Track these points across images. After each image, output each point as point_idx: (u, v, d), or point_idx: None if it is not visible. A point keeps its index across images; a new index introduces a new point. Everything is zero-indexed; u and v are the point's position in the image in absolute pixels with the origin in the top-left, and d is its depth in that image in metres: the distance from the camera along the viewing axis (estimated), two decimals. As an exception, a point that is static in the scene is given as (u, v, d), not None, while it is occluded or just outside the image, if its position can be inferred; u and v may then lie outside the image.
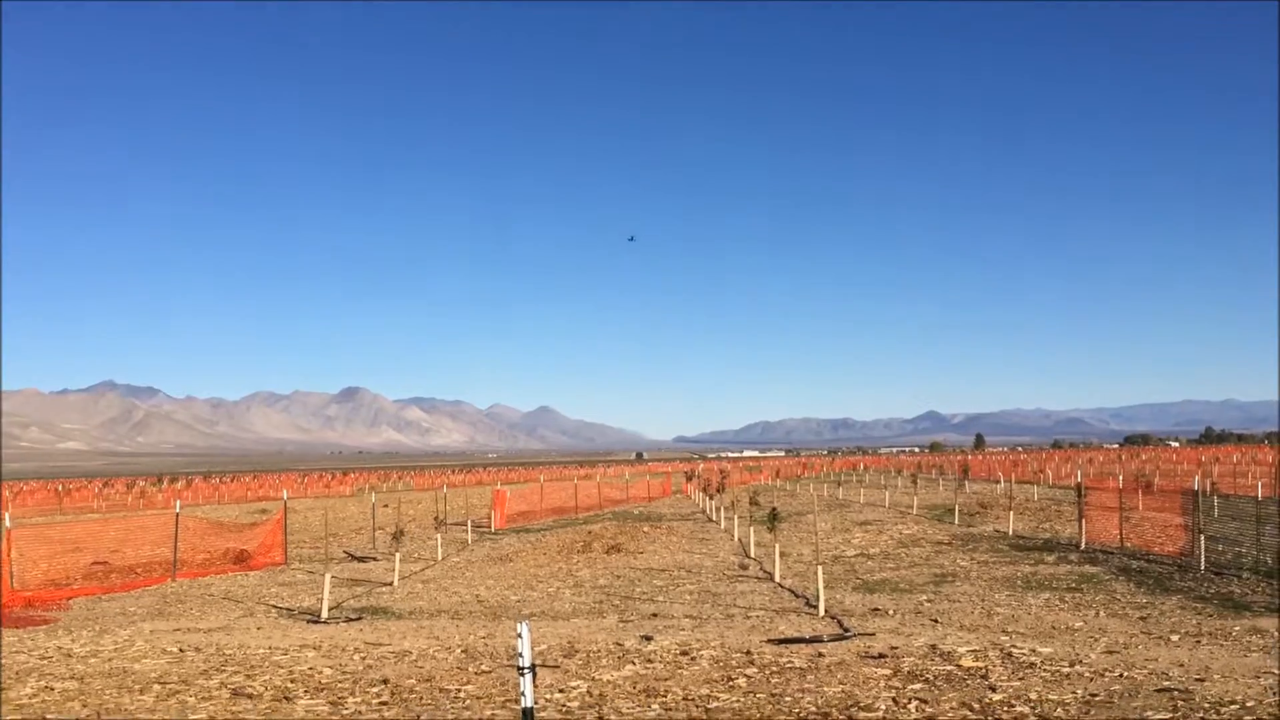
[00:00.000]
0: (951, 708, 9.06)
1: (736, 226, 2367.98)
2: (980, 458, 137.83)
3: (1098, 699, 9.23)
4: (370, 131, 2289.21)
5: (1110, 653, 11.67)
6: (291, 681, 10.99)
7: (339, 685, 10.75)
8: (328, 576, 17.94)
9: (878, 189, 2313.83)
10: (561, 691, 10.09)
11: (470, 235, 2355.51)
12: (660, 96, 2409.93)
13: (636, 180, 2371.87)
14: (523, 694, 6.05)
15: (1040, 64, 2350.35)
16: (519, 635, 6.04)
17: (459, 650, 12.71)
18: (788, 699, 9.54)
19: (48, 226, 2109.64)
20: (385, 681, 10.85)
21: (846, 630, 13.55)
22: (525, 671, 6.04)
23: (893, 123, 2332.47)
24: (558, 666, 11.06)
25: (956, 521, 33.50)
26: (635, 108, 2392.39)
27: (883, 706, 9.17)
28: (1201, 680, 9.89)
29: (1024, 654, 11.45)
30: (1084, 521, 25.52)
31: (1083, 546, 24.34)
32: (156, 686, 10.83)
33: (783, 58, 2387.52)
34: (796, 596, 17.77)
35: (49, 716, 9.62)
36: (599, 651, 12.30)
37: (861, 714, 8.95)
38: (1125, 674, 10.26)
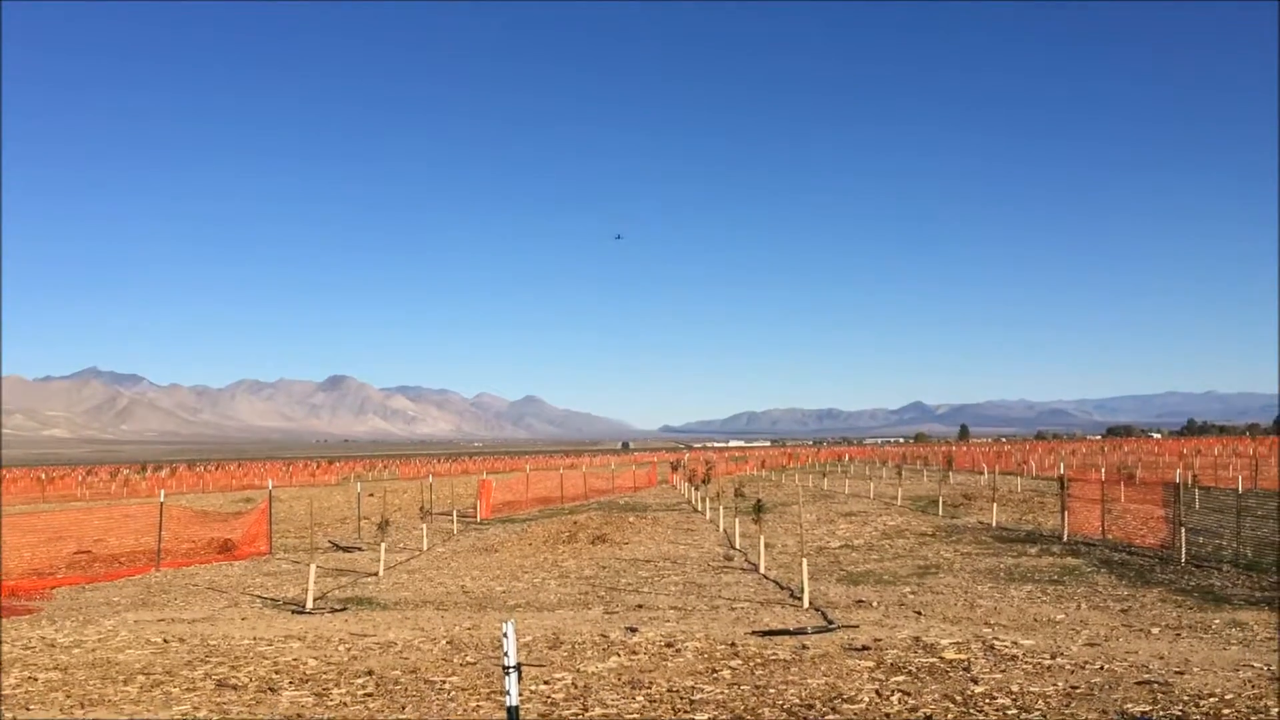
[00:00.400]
0: (934, 700, 9.12)
1: (722, 218, 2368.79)
2: (964, 449, 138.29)
3: (1079, 691, 9.31)
4: (357, 122, 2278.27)
5: (1091, 645, 11.77)
6: (276, 672, 10.98)
7: (324, 676, 10.75)
8: (313, 567, 17.90)
9: (863, 182, 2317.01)
10: (546, 684, 10.12)
11: (457, 224, 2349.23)
12: (649, 90, 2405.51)
13: (623, 172, 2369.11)
14: (507, 693, 6.06)
15: (1033, 63, 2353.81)
16: (504, 635, 6.03)
17: (444, 641, 12.72)
18: (772, 691, 9.59)
19: (32, 214, 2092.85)
20: (370, 673, 10.85)
21: (830, 622, 13.61)
22: (510, 671, 6.05)
23: (880, 118, 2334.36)
24: (542, 665, 11.07)
25: (940, 513, 33.64)
26: (623, 100, 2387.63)
27: (866, 699, 9.22)
28: (1181, 673, 9.99)
29: (1006, 646, 11.53)
30: (1066, 513, 25.66)
31: (1065, 538, 24.48)
32: (140, 677, 10.81)
33: (771, 53, 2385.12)
34: (781, 588, 17.82)
35: (32, 707, 9.60)
36: (584, 643, 12.32)
37: (845, 706, 9.00)
38: (1106, 666, 10.35)
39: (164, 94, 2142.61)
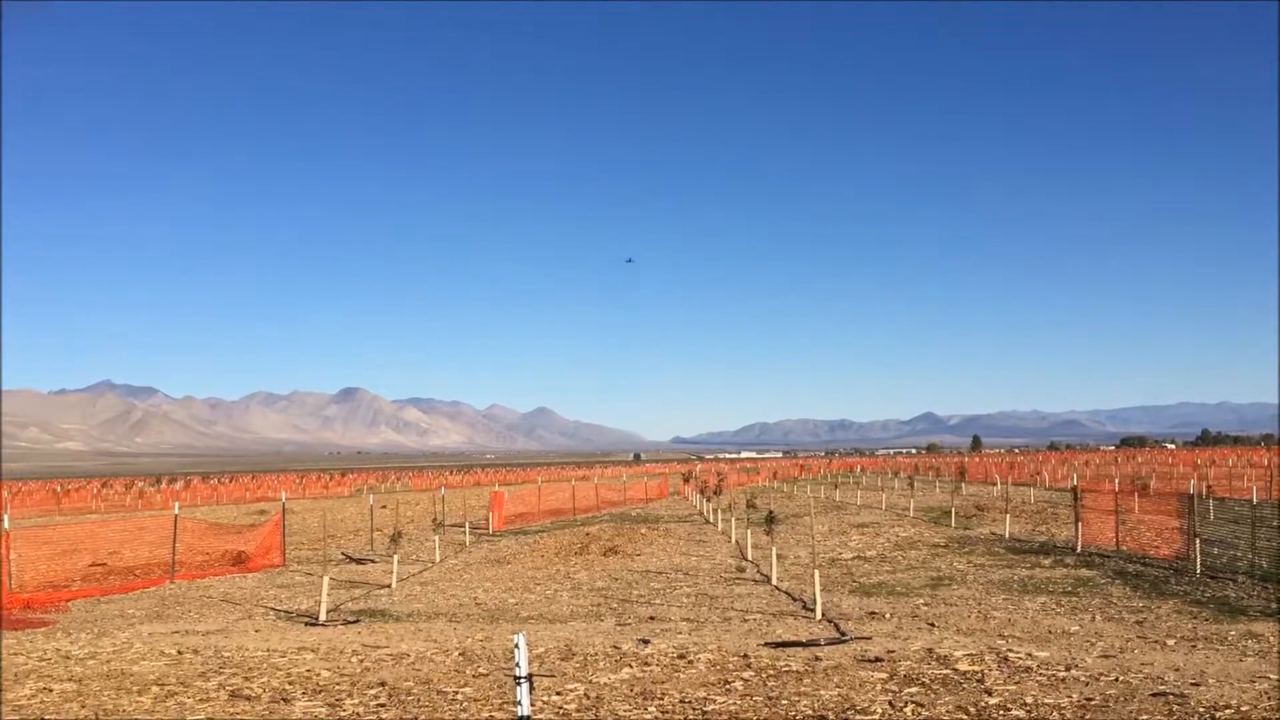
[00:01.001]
0: (948, 711, 9.10)
1: (735, 228, 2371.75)
2: (977, 459, 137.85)
3: (1093, 703, 9.28)
4: (369, 132, 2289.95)
5: (1106, 657, 11.72)
6: (289, 684, 11.03)
7: (337, 687, 10.78)
8: (326, 578, 17.95)
9: (874, 191, 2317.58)
10: (559, 694, 10.13)
11: (469, 237, 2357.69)
12: (660, 97, 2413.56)
13: (635, 180, 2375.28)
14: (518, 703, 6.08)
15: (1035, 65, 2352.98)
16: (516, 646, 6.06)
17: (456, 653, 12.74)
18: (784, 703, 9.58)
19: (47, 226, 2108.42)
20: (383, 684, 10.89)
21: (843, 634, 13.58)
22: (521, 681, 6.07)
23: (890, 124, 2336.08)
24: (554, 675, 11.08)
25: (953, 524, 33.53)
26: (635, 109, 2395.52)
27: (879, 710, 9.21)
28: (1197, 685, 9.94)
29: (1020, 658, 11.49)
30: (1080, 524, 25.54)
31: (1079, 549, 24.37)
32: (155, 689, 10.87)
33: (779, 59, 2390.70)
34: (793, 600, 17.78)
35: (47, 718, 9.65)
36: (596, 654, 12.33)
37: (858, 718, 8.99)
38: (1121, 678, 10.31)
39: (177, 103, 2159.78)
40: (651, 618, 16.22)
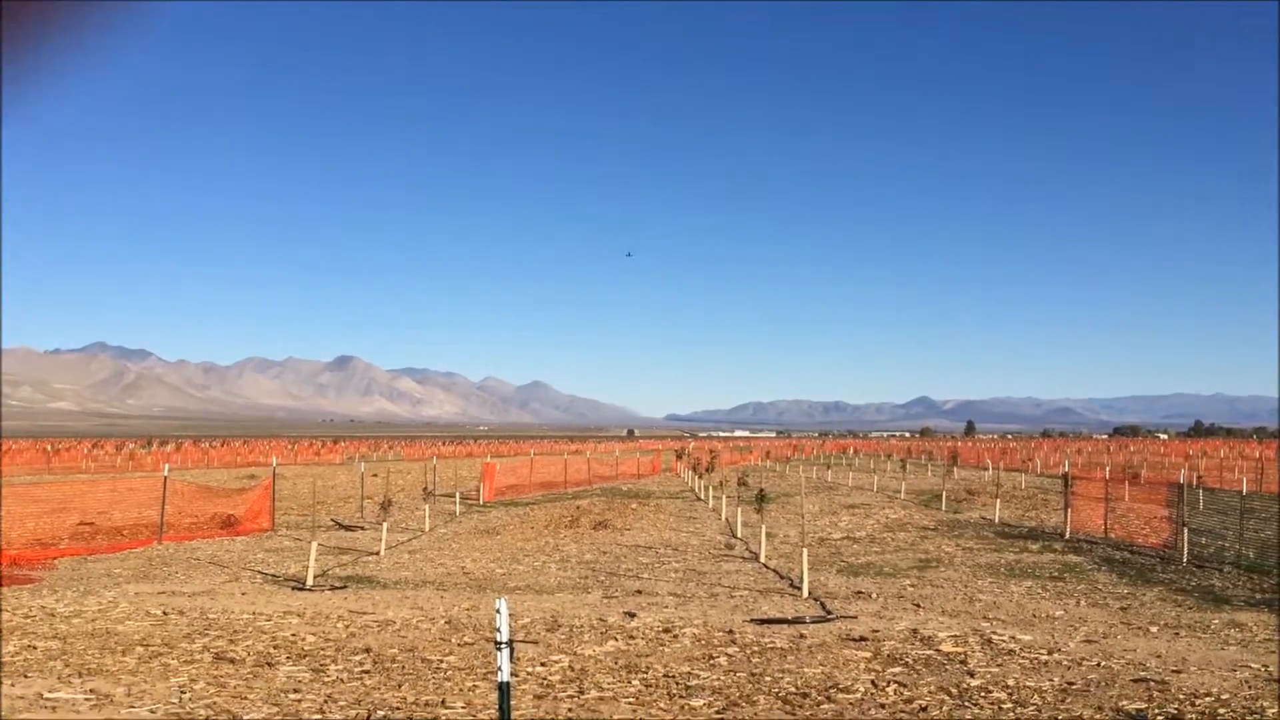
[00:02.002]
0: (930, 691, 9.13)
1: (732, 209, 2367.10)
2: (970, 445, 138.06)
3: (1074, 687, 9.31)
4: (369, 104, 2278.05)
5: (1089, 642, 11.76)
6: (274, 647, 11.04)
7: (321, 652, 10.79)
8: (314, 544, 17.94)
9: (871, 176, 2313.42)
10: (543, 665, 10.15)
11: (466, 207, 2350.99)
12: (657, 78, 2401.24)
13: (632, 160, 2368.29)
14: (499, 669, 6.08)
15: (1035, 59, 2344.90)
16: (497, 611, 6.05)
17: (443, 621, 12.77)
18: (768, 679, 9.61)
19: (42, 187, 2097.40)
20: (368, 650, 10.90)
21: (829, 612, 13.62)
22: (502, 646, 6.07)
23: (887, 111, 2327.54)
24: (537, 642, 11.11)
25: (943, 507, 33.62)
26: (632, 86, 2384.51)
27: (861, 689, 9.24)
28: (1178, 672, 9.98)
29: (1004, 641, 11.53)
30: (1070, 511, 25.62)
31: (1067, 536, 24.45)
32: (139, 648, 10.88)
33: (777, 47, 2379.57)
34: (781, 577, 17.83)
35: (30, 675, 9.65)
36: (582, 626, 12.36)
37: (840, 695, 9.01)
38: (1103, 663, 10.35)
39: (176, 72, 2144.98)
40: (639, 591, 16.25)
